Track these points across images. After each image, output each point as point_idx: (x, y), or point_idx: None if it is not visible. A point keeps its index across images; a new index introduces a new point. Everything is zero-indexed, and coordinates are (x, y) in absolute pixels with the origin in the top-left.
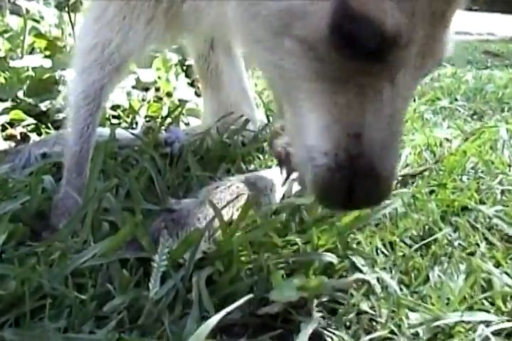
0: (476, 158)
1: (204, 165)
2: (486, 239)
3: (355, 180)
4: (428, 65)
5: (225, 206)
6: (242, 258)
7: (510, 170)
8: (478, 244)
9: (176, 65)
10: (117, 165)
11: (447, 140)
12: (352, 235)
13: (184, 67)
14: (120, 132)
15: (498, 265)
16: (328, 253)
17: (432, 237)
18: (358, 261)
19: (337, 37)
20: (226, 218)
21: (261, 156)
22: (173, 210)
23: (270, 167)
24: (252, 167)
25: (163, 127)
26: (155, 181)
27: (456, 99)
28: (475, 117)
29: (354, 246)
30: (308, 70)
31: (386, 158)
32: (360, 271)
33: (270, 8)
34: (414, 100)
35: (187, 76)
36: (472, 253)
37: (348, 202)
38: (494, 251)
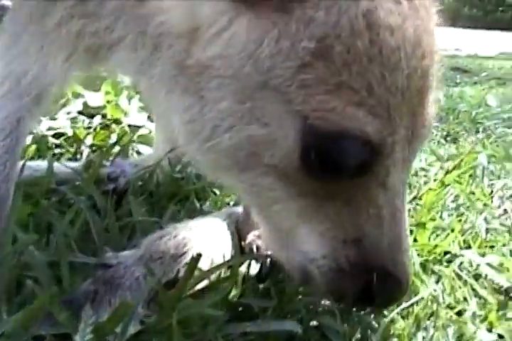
0: (455, 189)
1: (152, 205)
2: (473, 289)
3: (368, 282)
4: (417, 147)
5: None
6: (186, 332)
7: (492, 202)
8: (466, 299)
9: (127, 87)
10: (51, 206)
11: (423, 169)
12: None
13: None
14: (59, 165)
15: (491, 327)
16: (292, 322)
17: (415, 298)
18: (327, 329)
19: (312, 163)
20: (171, 276)
21: (217, 191)
22: (109, 266)
23: (228, 204)
24: (207, 204)
25: (107, 159)
26: (91, 227)
27: None
28: (449, 139)
29: (322, 310)
30: (286, 192)
31: (396, 259)
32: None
33: (229, 141)
34: None
35: (141, 99)
36: (460, 313)
37: (364, 302)
38: (486, 309)
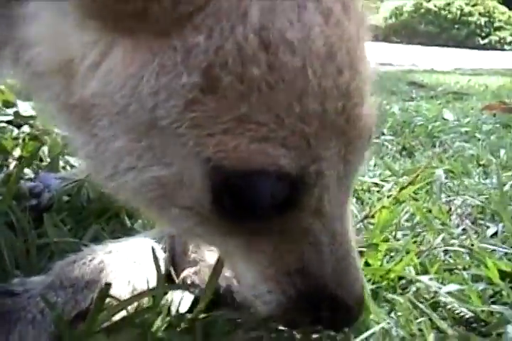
0: (411, 207)
1: (78, 223)
2: (431, 320)
3: (317, 308)
4: (358, 159)
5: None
6: None
7: (450, 220)
8: (422, 332)
9: None
10: None
11: (376, 184)
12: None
13: None
14: None
15: None
16: None
17: (364, 335)
18: None
19: (227, 206)
20: (83, 306)
21: None
22: (14, 294)
23: None
24: (139, 222)
25: (34, 172)
26: (1, 247)
27: (383, 134)
28: (404, 154)
29: None
30: (211, 235)
31: (344, 283)
32: None
33: (134, 182)
34: None
35: None
36: None
37: (317, 327)
38: None
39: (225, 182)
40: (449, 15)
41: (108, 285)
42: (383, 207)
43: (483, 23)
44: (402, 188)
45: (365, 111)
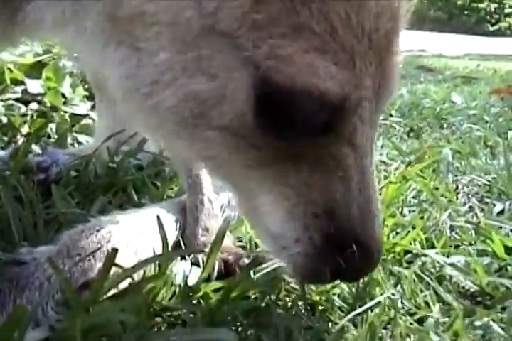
0: (418, 184)
1: (85, 197)
2: (436, 293)
3: (341, 255)
4: (384, 105)
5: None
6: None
7: (457, 199)
8: (428, 304)
9: (71, 74)
10: None
11: (383, 163)
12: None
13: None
14: None
15: (456, 336)
16: (225, 331)
17: (369, 303)
18: (267, 337)
19: (267, 122)
20: (90, 275)
21: (159, 184)
22: (21, 262)
23: (170, 197)
24: (146, 197)
25: (41, 148)
26: (10, 219)
27: (390, 115)
28: (412, 135)
29: (262, 312)
30: (243, 159)
31: (368, 227)
32: None
33: (171, 100)
34: None
35: (87, 89)
36: (422, 320)
37: (337, 277)
38: (450, 316)
39: (268, 95)
40: (459, 2)
41: (114, 250)
42: (390, 182)
43: (492, 10)
44: (408, 164)
45: (399, 50)
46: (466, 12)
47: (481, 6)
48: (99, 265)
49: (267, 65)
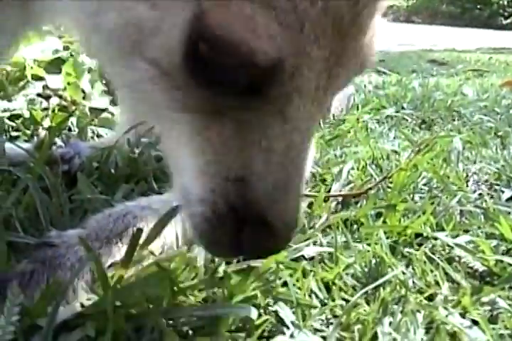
0: (428, 172)
1: (107, 186)
2: (446, 274)
3: (242, 228)
4: (342, 80)
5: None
6: (127, 315)
7: (467, 186)
8: (438, 283)
9: (90, 70)
10: None
11: (395, 152)
12: (277, 276)
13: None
14: (11, 147)
15: (465, 312)
16: (245, 305)
17: (381, 280)
18: (285, 313)
19: (194, 65)
20: (118, 257)
21: None
22: (51, 245)
23: None
24: (167, 187)
25: (63, 140)
26: (37, 206)
27: (402, 108)
28: (423, 126)
29: (280, 291)
30: (168, 99)
31: (280, 205)
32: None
33: (114, 21)
34: (358, 109)
35: (105, 84)
36: (431, 298)
37: (238, 252)
38: (459, 293)
39: (200, 38)
40: None
41: (140, 230)
42: (401, 168)
43: (506, 3)
44: (418, 151)
45: (371, 29)
46: (478, 6)
47: None
48: (125, 248)
49: (205, 5)
